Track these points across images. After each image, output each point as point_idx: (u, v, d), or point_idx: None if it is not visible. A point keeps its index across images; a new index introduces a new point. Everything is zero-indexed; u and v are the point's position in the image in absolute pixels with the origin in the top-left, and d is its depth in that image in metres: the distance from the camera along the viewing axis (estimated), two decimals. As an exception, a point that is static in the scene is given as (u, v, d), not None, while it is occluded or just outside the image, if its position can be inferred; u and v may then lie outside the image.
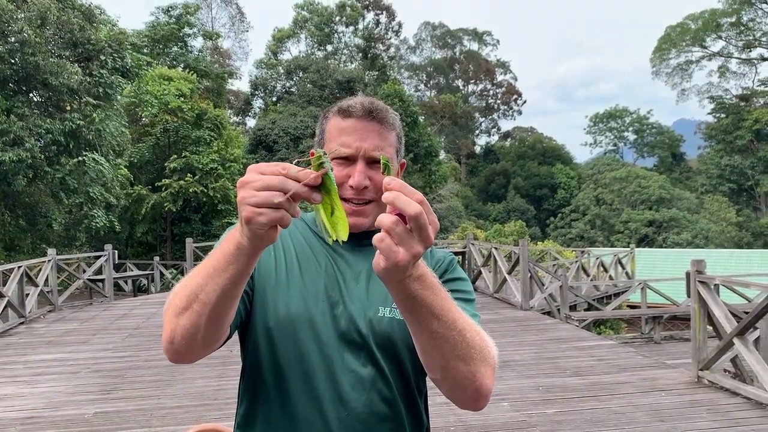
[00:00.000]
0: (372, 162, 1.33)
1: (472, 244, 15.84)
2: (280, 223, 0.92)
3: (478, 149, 67.31)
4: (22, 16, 16.37)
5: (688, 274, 6.94)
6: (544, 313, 12.03)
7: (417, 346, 1.13)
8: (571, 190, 55.22)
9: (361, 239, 1.34)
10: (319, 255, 1.38)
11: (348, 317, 1.31)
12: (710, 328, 6.79)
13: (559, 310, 12.47)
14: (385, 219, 0.92)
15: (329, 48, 43.78)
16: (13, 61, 15.80)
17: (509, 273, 12.83)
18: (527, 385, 6.52)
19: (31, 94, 17.17)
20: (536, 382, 6.67)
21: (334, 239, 0.99)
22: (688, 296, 7.13)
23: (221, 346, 1.25)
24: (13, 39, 15.81)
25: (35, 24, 16.15)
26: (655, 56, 56.65)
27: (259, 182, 0.92)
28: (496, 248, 13.96)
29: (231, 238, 1.02)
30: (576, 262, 17.50)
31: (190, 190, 22.27)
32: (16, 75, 15.94)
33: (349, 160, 1.34)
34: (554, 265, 17.28)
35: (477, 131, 68.02)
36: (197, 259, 15.88)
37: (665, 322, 13.45)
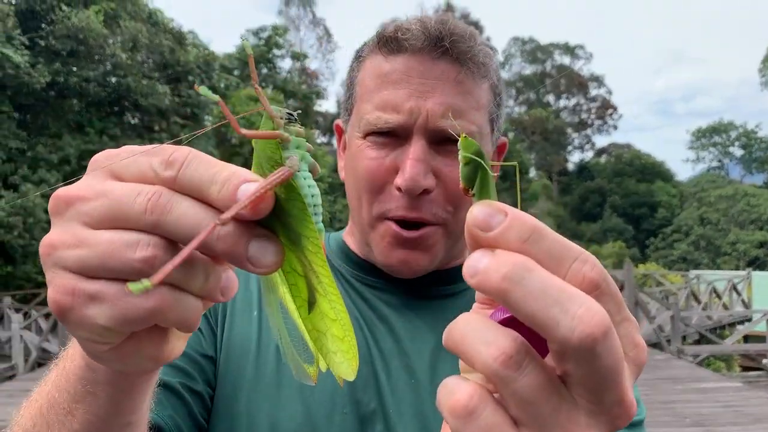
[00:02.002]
0: (441, 140, 0.65)
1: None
2: (165, 323, 0.36)
3: (571, 166, 65.22)
4: (119, 39, 16.89)
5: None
6: (650, 345, 10.82)
7: None
8: (672, 208, 52.56)
9: (420, 288, 0.68)
10: None
11: None
12: None
13: (669, 342, 11.18)
14: (477, 342, 0.33)
15: (416, 65, 43.77)
16: (105, 83, 16.28)
17: (611, 300, 11.68)
18: (641, 438, 5.56)
19: (124, 116, 17.68)
20: (652, 433, 5.69)
21: (321, 373, 0.40)
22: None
23: None
24: (107, 62, 16.31)
25: (127, 47, 16.60)
26: (764, 65, 53.40)
27: (102, 203, 0.36)
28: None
29: (76, 346, 0.43)
30: (685, 287, 15.96)
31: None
32: (109, 97, 16.41)
33: (394, 136, 0.66)
34: (661, 291, 15.82)
35: (569, 147, 66.00)
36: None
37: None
